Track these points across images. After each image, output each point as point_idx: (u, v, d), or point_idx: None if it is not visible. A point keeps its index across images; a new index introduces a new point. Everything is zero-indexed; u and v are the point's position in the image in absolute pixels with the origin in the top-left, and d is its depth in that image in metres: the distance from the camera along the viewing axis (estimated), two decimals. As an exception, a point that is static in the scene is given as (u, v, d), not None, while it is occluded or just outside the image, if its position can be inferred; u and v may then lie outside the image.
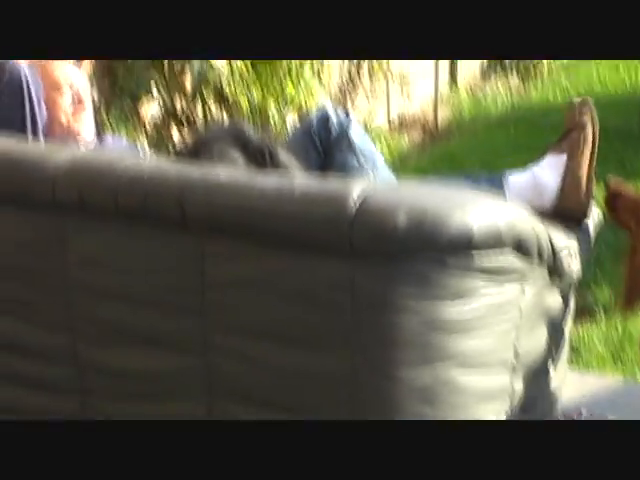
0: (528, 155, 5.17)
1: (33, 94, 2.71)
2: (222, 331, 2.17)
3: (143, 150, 2.80)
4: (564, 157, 2.63)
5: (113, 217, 2.26)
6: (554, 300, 2.46)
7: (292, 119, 4.42)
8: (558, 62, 6.77)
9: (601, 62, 6.75)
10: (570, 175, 2.61)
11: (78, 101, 2.84)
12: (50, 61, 2.94)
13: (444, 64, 6.95)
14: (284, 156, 2.46)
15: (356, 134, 2.79)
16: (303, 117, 4.44)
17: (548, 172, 2.64)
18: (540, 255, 2.25)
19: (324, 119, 2.81)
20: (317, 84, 4.48)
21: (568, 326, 2.61)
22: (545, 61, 6.63)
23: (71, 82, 2.86)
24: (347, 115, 2.83)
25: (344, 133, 2.77)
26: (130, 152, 2.73)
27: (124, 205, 2.23)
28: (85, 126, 2.86)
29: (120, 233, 2.27)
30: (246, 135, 2.47)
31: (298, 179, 2.24)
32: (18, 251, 2.39)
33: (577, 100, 2.65)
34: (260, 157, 2.42)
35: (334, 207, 2.04)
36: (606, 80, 6.47)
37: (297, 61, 4.14)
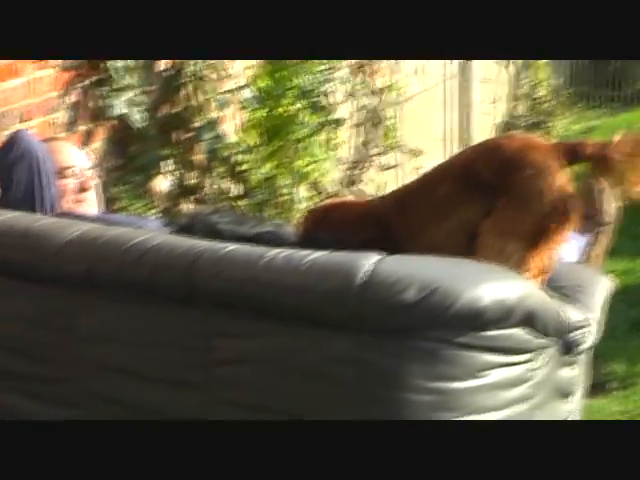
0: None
1: (44, 173, 2.70)
2: (226, 407, 2.13)
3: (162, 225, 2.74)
4: None
5: (120, 291, 2.25)
6: (567, 375, 2.41)
7: (303, 192, 4.43)
8: None
9: None
10: None
11: (81, 187, 2.83)
12: (53, 143, 2.94)
13: (454, 140, 6.96)
14: (274, 234, 2.42)
15: None
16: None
17: None
18: (552, 331, 2.21)
19: None
20: (328, 157, 4.50)
21: (581, 401, 2.56)
22: None
23: (74, 166, 2.84)
24: None
25: None
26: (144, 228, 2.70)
27: (131, 279, 2.22)
28: (89, 208, 2.85)
29: (127, 307, 2.26)
30: (217, 228, 2.42)
31: (309, 252, 2.21)
32: (26, 325, 2.38)
33: None
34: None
35: (340, 279, 2.00)
36: None
37: (308, 135, 4.15)
